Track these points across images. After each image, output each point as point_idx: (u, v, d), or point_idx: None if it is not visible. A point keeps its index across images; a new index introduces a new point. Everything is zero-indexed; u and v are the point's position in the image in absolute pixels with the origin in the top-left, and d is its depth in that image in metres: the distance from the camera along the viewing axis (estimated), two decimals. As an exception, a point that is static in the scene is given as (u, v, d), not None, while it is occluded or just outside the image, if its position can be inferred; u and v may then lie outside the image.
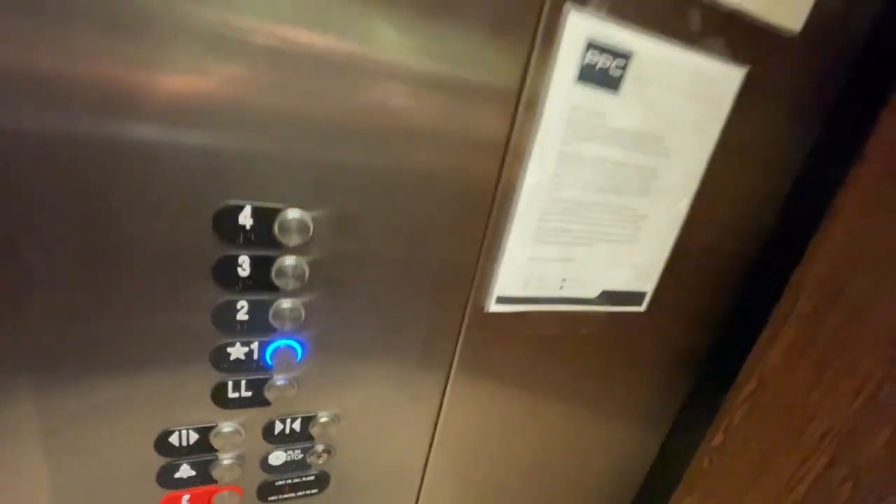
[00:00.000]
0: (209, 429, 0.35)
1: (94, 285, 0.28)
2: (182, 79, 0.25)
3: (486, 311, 0.40)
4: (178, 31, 0.25)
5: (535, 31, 0.31)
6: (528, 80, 0.32)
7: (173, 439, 0.34)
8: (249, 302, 0.32)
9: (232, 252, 0.30)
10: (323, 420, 0.39)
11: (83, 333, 0.29)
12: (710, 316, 0.52)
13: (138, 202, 0.27)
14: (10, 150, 0.24)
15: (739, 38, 0.37)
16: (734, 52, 0.37)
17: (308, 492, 0.41)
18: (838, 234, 0.43)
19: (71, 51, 0.23)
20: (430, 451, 0.45)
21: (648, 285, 0.46)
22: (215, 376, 0.34)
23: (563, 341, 0.46)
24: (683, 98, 0.37)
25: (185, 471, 0.36)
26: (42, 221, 0.26)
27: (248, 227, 0.30)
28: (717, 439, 0.53)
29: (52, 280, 0.27)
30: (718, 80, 0.38)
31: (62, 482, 0.33)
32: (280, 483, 0.40)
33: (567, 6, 0.31)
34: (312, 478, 0.41)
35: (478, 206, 0.36)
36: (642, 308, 0.47)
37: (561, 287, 0.42)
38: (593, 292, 0.44)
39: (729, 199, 0.45)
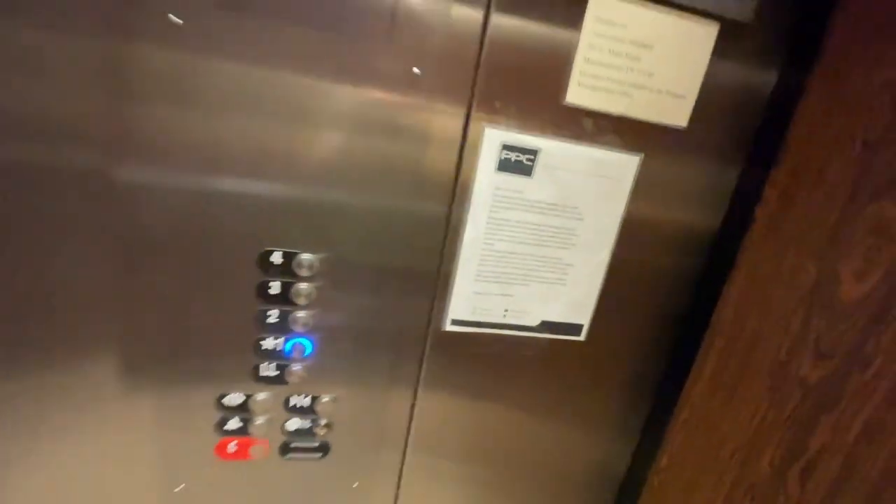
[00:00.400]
0: (249, 396, 0.53)
1: (187, 299, 0.48)
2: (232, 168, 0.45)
3: (443, 329, 0.54)
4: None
5: (464, 138, 0.47)
6: (461, 171, 0.48)
7: (226, 400, 0.52)
8: (278, 311, 0.50)
9: (267, 279, 0.48)
10: (325, 400, 0.55)
11: (178, 331, 0.49)
12: (655, 348, 0.61)
13: (218, 246, 0.46)
14: (143, 205, 0.44)
15: (631, 134, 0.50)
16: (628, 145, 0.50)
17: (313, 455, 0.57)
18: (738, 287, 0.52)
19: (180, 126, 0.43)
20: (408, 433, 0.59)
21: (584, 319, 0.57)
22: (254, 360, 0.52)
23: (514, 359, 0.58)
24: (589, 177, 0.51)
25: (233, 424, 0.53)
26: (161, 258, 0.46)
27: (277, 264, 0.48)
28: (664, 461, 0.61)
29: (160, 297, 0.47)
30: (617, 164, 0.51)
31: (159, 429, 0.52)
32: (294, 445, 0.56)
33: (483, 124, 0.47)
34: (317, 445, 0.57)
35: (432, 251, 0.51)
36: (581, 338, 0.58)
37: (504, 315, 0.55)
38: (534, 322, 0.56)
39: (659, 252, 0.56)
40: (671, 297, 0.59)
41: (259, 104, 0.42)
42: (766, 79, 0.51)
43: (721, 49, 0.48)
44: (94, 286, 0.45)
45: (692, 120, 0.50)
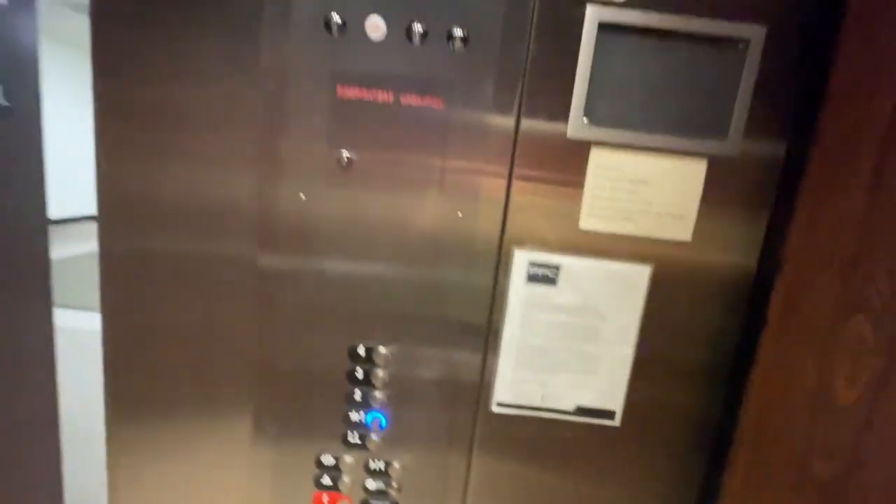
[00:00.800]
0: (338, 458, 0.67)
1: (299, 376, 0.65)
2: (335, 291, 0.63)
3: (490, 410, 0.65)
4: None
5: (499, 258, 0.61)
6: (498, 283, 0.62)
7: (322, 459, 0.67)
8: (361, 391, 0.65)
9: (354, 366, 0.64)
10: (396, 466, 0.67)
11: (291, 400, 0.66)
12: (693, 436, 0.65)
13: (322, 339, 0.64)
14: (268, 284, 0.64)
15: (641, 248, 0.60)
16: (639, 257, 0.60)
17: (387, 513, 0.69)
18: (758, 383, 0.56)
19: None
20: (464, 499, 0.69)
21: (616, 406, 0.64)
22: (344, 429, 0.67)
23: (556, 438, 0.66)
24: (606, 285, 0.61)
25: (326, 480, 0.68)
26: (282, 343, 0.64)
27: (362, 355, 0.64)
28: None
29: (279, 373, 0.65)
30: (631, 273, 0.60)
31: (272, 479, 0.69)
32: (371, 502, 0.69)
33: (513, 247, 0.60)
34: (388, 503, 0.69)
35: (478, 345, 0.64)
36: (616, 423, 0.65)
37: (542, 399, 0.65)
38: (569, 406, 0.65)
39: (686, 345, 0.63)
40: (701, 388, 0.63)
41: (355, 244, 0.61)
42: (762, 194, 0.58)
43: (716, 172, 0.58)
44: (233, 357, 0.65)
45: (697, 232, 0.59)
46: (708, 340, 0.62)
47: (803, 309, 0.51)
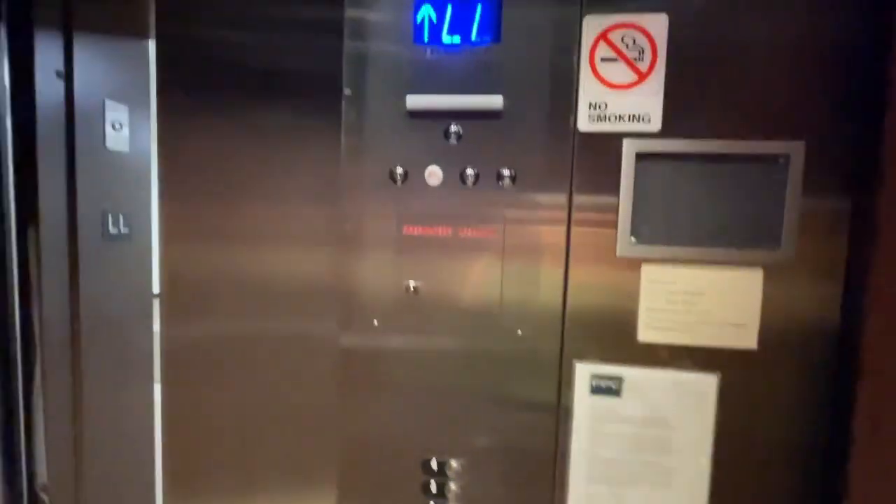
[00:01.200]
0: (417, 571, 0.69)
1: (377, 488, 0.69)
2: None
3: (565, 525, 0.65)
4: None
5: (560, 371, 0.63)
6: (562, 395, 0.63)
7: (402, 573, 0.69)
8: (434, 500, 0.68)
9: (428, 479, 0.67)
10: (474, 581, 0.68)
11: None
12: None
13: (394, 455, 0.68)
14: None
15: (705, 357, 0.60)
16: (703, 367, 0.60)
17: None
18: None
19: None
20: None
21: (699, 520, 0.62)
22: (421, 541, 0.69)
23: (637, 557, 0.64)
24: (674, 395, 0.61)
25: None
26: (360, 452, 0.69)
27: (434, 469, 0.67)
28: None
29: (359, 491, 0.69)
30: (697, 383, 0.60)
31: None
32: None
33: (574, 361, 0.63)
34: None
35: (547, 457, 0.65)
36: (700, 539, 0.62)
37: (618, 514, 0.63)
38: (648, 521, 0.63)
39: (768, 458, 0.61)
40: (791, 500, 0.60)
41: (423, 360, 0.66)
42: (828, 296, 0.57)
43: (776, 279, 0.58)
44: (310, 439, 0.70)
45: (765, 337, 0.58)
46: (791, 450, 0.59)
47: (891, 422, 0.49)
